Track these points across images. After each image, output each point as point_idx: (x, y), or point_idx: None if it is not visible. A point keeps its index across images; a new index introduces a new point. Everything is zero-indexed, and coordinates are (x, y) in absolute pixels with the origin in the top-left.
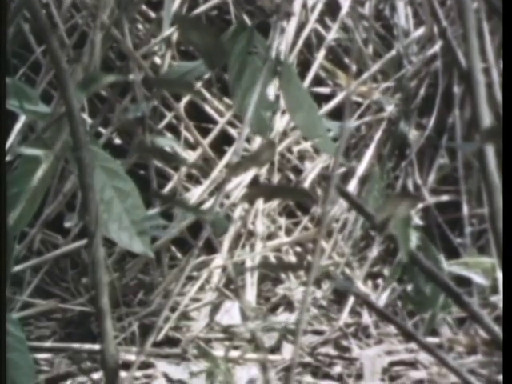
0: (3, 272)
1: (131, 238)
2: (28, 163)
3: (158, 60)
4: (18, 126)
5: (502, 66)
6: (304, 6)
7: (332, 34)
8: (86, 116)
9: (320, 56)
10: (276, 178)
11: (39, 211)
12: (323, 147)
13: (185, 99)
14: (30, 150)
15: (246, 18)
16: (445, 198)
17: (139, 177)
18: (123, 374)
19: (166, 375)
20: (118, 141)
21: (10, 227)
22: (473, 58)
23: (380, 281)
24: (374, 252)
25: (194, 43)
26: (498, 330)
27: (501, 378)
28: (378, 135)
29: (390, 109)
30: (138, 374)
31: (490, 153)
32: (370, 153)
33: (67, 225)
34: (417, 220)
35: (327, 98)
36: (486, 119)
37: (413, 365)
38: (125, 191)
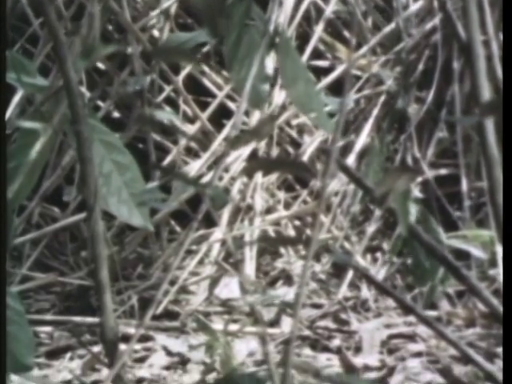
0: (3, 245)
1: (130, 211)
2: (26, 136)
3: (156, 33)
4: (15, 99)
5: (501, 38)
6: None
7: (331, 7)
8: (84, 89)
9: (319, 29)
10: (275, 151)
11: (38, 185)
12: (319, 123)
13: (183, 72)
14: (28, 124)
15: None
16: (444, 171)
17: (138, 150)
18: (123, 346)
19: (165, 348)
20: (116, 114)
21: (9, 200)
22: (472, 30)
23: (379, 254)
24: (373, 226)
25: (197, 6)
26: (496, 303)
27: (499, 350)
28: (377, 109)
29: (389, 82)
30: (138, 346)
31: (490, 126)
32: (368, 126)
33: (66, 198)
34: (416, 193)
35: (326, 71)
36: (486, 92)
37: (411, 338)
38: (124, 164)
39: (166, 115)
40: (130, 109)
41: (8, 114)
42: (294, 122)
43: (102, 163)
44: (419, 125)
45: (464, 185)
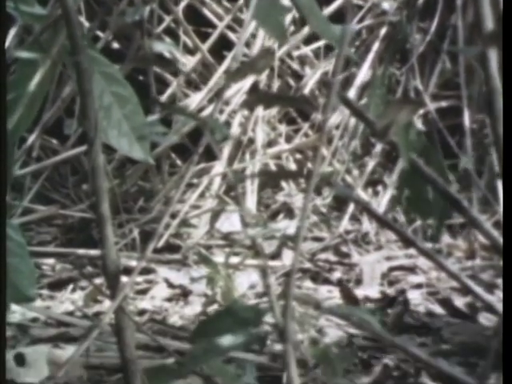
0: (3, 177)
1: (131, 144)
2: (25, 67)
3: None
4: (14, 29)
5: None
6: None
7: None
8: (83, 19)
9: None
10: (276, 84)
11: (38, 117)
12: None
13: (183, 2)
14: (27, 54)
15: None
16: (446, 103)
17: (138, 82)
18: (124, 279)
19: (166, 280)
20: (115, 45)
21: (9, 132)
22: None
23: (380, 187)
24: (374, 159)
25: None
26: (496, 234)
27: (499, 281)
28: (378, 40)
29: (391, 12)
30: (140, 279)
31: (493, 56)
32: (370, 58)
33: (67, 131)
34: (418, 125)
35: (328, 1)
36: (489, 22)
37: (412, 270)
38: (124, 97)
39: (165, 46)
40: (130, 40)
41: (6, 44)
42: (295, 54)
43: (101, 95)
44: (421, 56)
45: (466, 116)
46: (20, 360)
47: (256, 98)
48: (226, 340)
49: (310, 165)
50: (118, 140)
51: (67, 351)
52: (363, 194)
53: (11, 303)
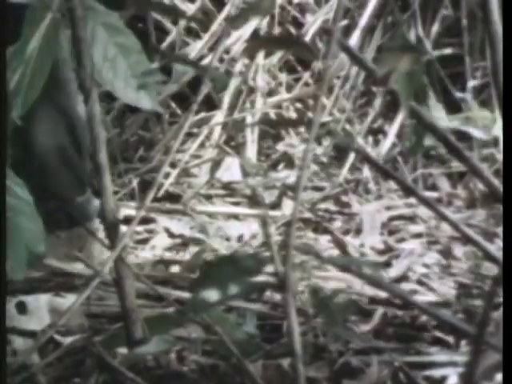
0: (3, 130)
1: (138, 94)
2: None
3: None
4: None
5: None
6: None
7: None
8: None
9: None
10: (276, 31)
11: None
12: None
13: None
14: None
15: None
16: (448, 51)
17: (137, 30)
18: (124, 228)
19: (167, 230)
20: None
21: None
22: None
23: (381, 136)
24: (375, 108)
25: None
26: (497, 183)
27: (499, 230)
28: None
29: None
30: (140, 228)
31: (494, 2)
32: (372, 4)
33: None
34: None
35: None
36: None
37: (412, 219)
38: (127, 47)
39: None
40: None
41: None
42: (296, 1)
43: (106, 47)
44: (423, 1)
45: (467, 64)
46: (21, 308)
47: (257, 44)
48: (227, 289)
49: (310, 114)
50: (125, 91)
51: (68, 300)
52: (364, 143)
53: (25, 266)
